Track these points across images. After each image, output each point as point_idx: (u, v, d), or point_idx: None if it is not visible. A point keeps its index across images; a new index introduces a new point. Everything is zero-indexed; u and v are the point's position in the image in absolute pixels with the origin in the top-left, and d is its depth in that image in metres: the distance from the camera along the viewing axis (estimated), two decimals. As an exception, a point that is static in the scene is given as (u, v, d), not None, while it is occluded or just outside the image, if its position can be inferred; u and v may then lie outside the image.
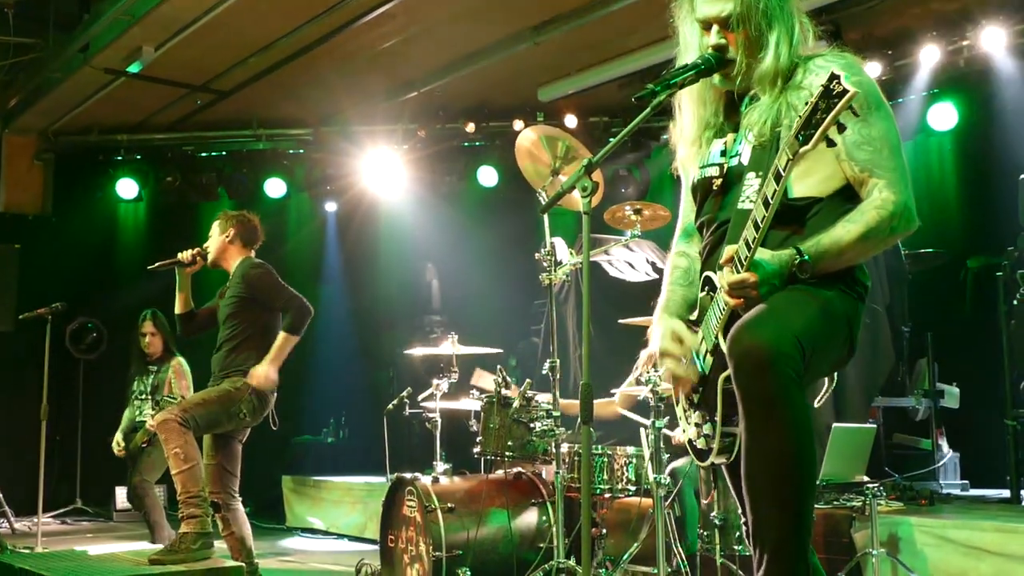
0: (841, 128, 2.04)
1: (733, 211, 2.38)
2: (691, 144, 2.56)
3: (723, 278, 2.25)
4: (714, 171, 2.49)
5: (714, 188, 2.48)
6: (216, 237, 5.11)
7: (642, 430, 4.25)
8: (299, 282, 6.27)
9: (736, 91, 2.48)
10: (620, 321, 5.06)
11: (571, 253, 4.62)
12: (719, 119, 2.53)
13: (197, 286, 5.21)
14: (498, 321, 7.95)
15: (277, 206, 9.47)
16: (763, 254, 2.22)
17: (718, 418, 2.36)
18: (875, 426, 5.64)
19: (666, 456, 4.15)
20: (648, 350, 2.60)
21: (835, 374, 2.47)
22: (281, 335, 4.86)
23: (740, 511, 2.49)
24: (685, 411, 2.56)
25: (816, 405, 2.40)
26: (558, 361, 4.34)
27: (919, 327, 6.46)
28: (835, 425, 4.88)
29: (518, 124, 7.99)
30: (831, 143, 2.08)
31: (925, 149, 7.20)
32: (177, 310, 5.18)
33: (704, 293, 2.46)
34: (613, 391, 5.03)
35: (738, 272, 2.22)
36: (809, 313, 2.23)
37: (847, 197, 2.35)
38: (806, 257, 2.21)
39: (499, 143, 8.54)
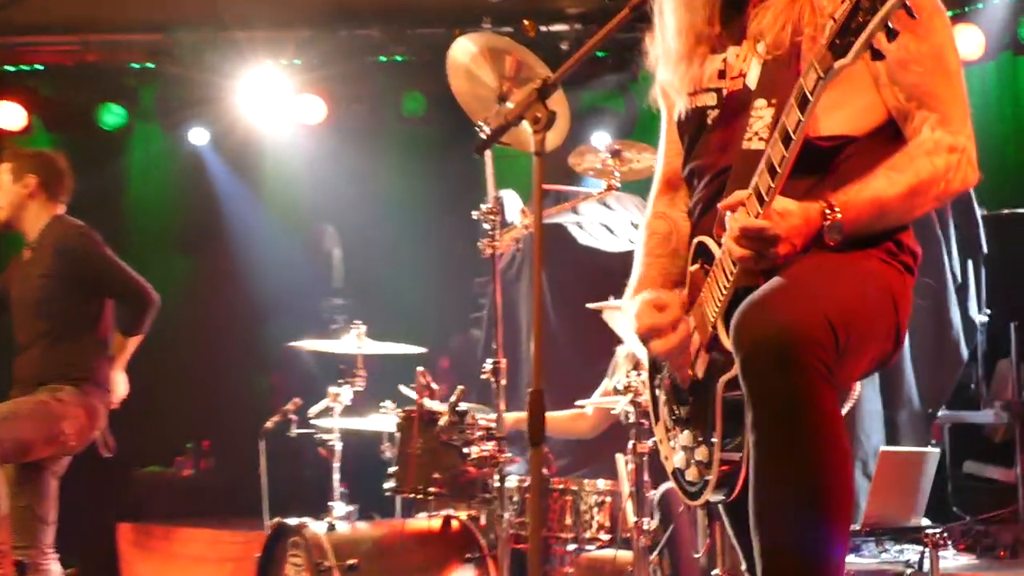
0: (892, 35, 2.06)
1: (737, 153, 2.40)
2: (677, 63, 2.57)
3: (735, 221, 2.24)
4: (710, 99, 2.52)
5: (709, 123, 2.51)
6: (8, 187, 5.08)
7: (619, 457, 4.29)
8: (144, 251, 6.22)
9: None
10: (588, 305, 5.06)
11: (524, 211, 4.64)
12: (714, 28, 2.55)
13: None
14: (423, 307, 7.94)
15: (114, 142, 9.32)
16: (786, 203, 2.23)
17: (716, 439, 2.39)
18: (939, 450, 5.73)
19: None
20: (625, 348, 2.63)
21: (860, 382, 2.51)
22: (117, 339, 5.01)
23: (746, 566, 2.52)
24: (668, 430, 2.58)
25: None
26: (504, 361, 4.35)
27: (1000, 316, 6.56)
28: (884, 448, 4.96)
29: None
30: (878, 54, 2.09)
31: (1012, 73, 7.31)
32: None
33: (696, 266, 2.49)
34: (580, 402, 5.05)
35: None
36: (843, 287, 2.25)
37: (889, 136, 2.40)
38: (839, 214, 2.23)
39: (429, 59, 8.48)
